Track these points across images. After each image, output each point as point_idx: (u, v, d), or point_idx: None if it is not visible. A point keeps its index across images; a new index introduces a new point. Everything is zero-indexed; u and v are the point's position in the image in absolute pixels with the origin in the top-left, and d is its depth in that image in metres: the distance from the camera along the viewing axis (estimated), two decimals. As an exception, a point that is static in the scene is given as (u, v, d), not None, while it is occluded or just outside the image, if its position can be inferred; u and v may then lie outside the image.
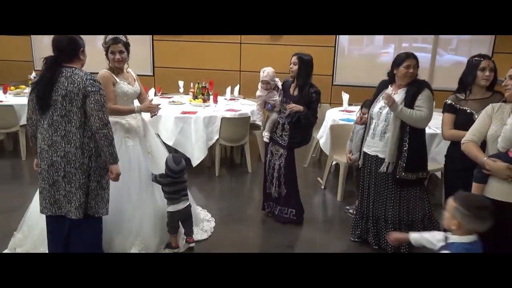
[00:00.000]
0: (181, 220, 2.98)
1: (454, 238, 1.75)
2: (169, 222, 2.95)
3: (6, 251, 2.86)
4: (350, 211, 3.72)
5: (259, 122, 3.52)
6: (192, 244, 3.04)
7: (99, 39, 2.94)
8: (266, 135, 3.49)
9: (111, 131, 2.28)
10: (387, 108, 2.79)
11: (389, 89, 2.92)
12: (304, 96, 3.26)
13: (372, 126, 2.95)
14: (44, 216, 2.42)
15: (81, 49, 2.32)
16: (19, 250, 2.84)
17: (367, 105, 3.15)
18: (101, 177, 2.35)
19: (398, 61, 2.83)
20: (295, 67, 3.26)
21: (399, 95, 2.84)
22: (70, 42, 2.28)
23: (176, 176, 2.88)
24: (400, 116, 2.74)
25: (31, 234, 2.85)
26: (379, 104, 2.91)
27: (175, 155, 3.00)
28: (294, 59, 3.27)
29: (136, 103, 3.05)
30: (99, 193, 2.35)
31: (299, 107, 3.21)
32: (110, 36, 2.82)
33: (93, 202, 2.33)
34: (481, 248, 1.74)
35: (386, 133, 2.85)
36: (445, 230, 1.83)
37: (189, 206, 3.02)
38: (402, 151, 2.81)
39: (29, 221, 2.88)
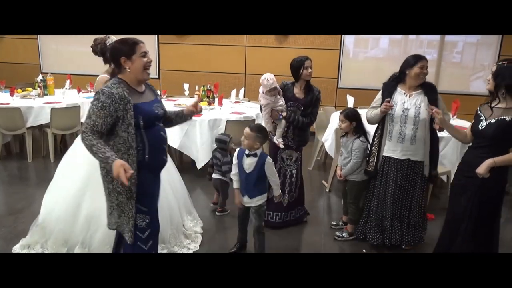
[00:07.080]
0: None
1: None
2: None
3: (17, 249, 2.87)
4: (344, 235, 3.32)
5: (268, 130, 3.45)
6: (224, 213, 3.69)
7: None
8: (281, 141, 3.31)
9: (86, 139, 1.96)
10: (413, 111, 2.82)
11: (401, 91, 2.90)
12: (312, 97, 3.25)
13: (396, 129, 2.90)
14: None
15: (121, 57, 2.08)
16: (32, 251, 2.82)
17: (349, 115, 3.18)
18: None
19: (411, 61, 2.82)
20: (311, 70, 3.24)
21: (414, 98, 2.85)
22: (111, 49, 2.15)
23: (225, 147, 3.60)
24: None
25: (46, 237, 2.81)
26: (399, 107, 2.87)
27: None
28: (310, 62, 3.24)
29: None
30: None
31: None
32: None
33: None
34: None
35: (417, 136, 2.86)
36: None
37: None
38: (434, 150, 2.94)
39: (47, 225, 2.82)
